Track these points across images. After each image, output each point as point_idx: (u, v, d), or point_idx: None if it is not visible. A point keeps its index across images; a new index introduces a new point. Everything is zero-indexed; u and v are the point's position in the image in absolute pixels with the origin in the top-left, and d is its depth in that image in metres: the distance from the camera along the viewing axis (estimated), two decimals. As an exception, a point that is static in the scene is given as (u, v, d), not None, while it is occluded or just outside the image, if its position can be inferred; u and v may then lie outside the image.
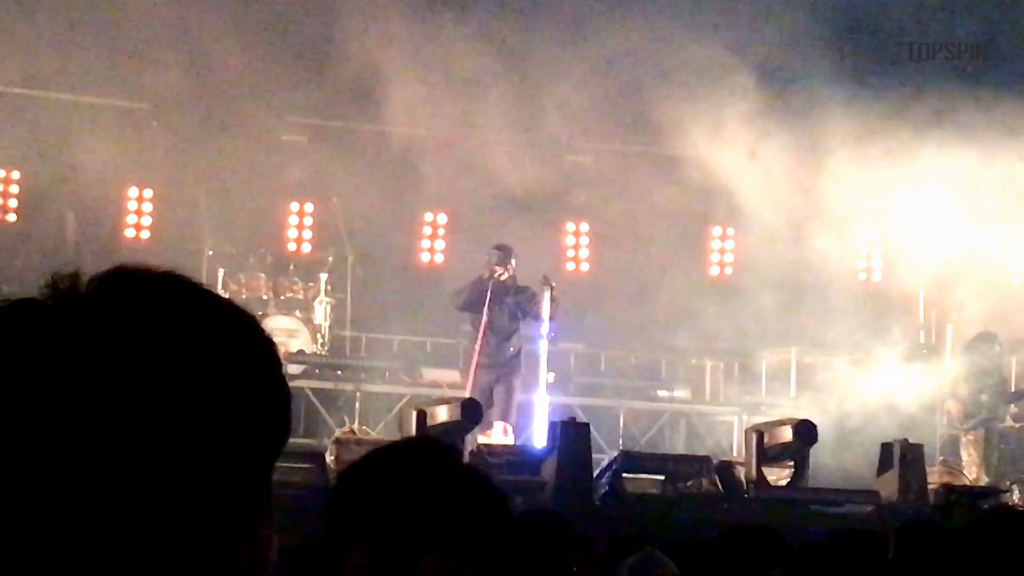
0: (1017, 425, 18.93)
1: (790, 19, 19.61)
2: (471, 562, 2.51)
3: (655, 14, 19.63)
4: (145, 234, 20.93)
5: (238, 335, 1.38)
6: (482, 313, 17.01)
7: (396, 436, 15.49)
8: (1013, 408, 18.86)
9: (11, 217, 21.01)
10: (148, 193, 21.07)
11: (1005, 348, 18.87)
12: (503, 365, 17.18)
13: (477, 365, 16.92)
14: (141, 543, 1.24)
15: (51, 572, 1.23)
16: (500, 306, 17.09)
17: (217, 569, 1.29)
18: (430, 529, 2.49)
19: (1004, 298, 20.32)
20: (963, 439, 18.23)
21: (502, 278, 17.12)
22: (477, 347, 16.95)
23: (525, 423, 17.43)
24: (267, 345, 1.40)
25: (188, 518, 1.26)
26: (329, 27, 19.56)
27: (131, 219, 21.11)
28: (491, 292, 17.05)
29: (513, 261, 17.28)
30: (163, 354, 1.26)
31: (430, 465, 2.62)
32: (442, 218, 21.59)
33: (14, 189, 21.03)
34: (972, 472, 17.69)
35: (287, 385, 1.40)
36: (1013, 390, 18.75)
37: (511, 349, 17.42)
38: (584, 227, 22.43)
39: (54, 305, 1.29)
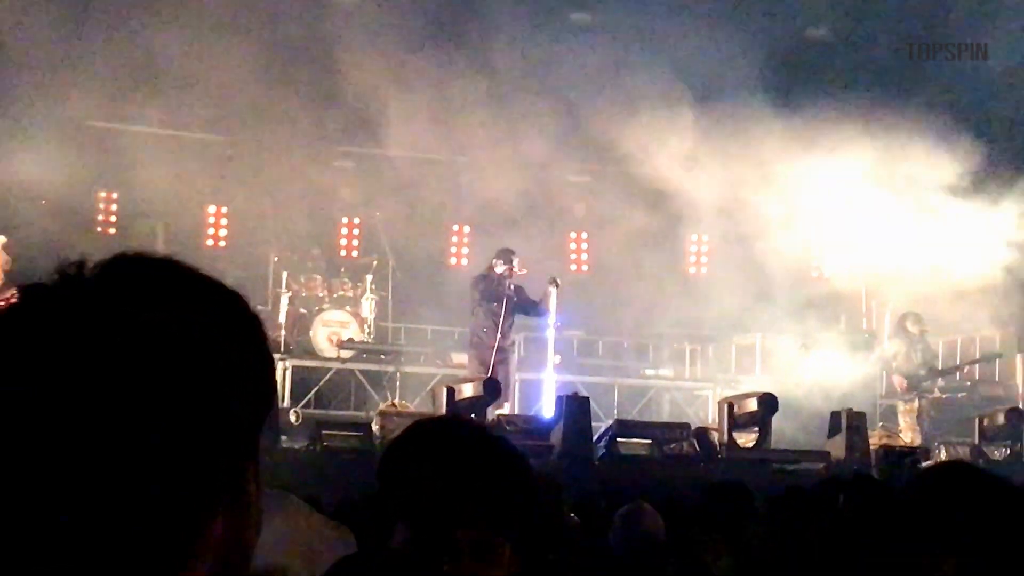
0: (944, 396, 18.88)
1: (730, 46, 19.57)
2: (501, 528, 2.44)
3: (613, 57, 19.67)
4: (222, 244, 20.98)
5: (226, 313, 1.30)
6: (495, 306, 16.99)
7: (430, 409, 15.51)
8: (940, 381, 18.82)
9: (112, 231, 21.05)
10: (224, 210, 21.14)
11: (929, 327, 18.81)
12: (505, 351, 17.15)
13: (489, 349, 16.87)
14: (154, 511, 1.18)
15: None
16: (508, 302, 17.07)
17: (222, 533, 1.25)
18: (465, 501, 2.41)
19: (931, 288, 20.24)
20: (901, 407, 18.20)
21: (512, 275, 17.09)
22: (496, 336, 16.88)
23: (536, 397, 17.45)
24: (253, 321, 1.32)
25: (194, 486, 1.20)
26: (372, 74, 19.54)
27: (210, 231, 21.16)
28: (502, 289, 17.05)
29: (515, 261, 17.25)
30: (161, 334, 1.20)
31: (465, 439, 2.54)
32: (467, 228, 21.66)
33: (114, 207, 21.11)
34: (907, 436, 17.67)
35: (271, 356, 1.33)
36: (940, 367, 18.70)
37: (511, 339, 17.45)
38: (584, 235, 22.53)
39: (59, 288, 1.25)
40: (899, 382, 18.32)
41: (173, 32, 18.99)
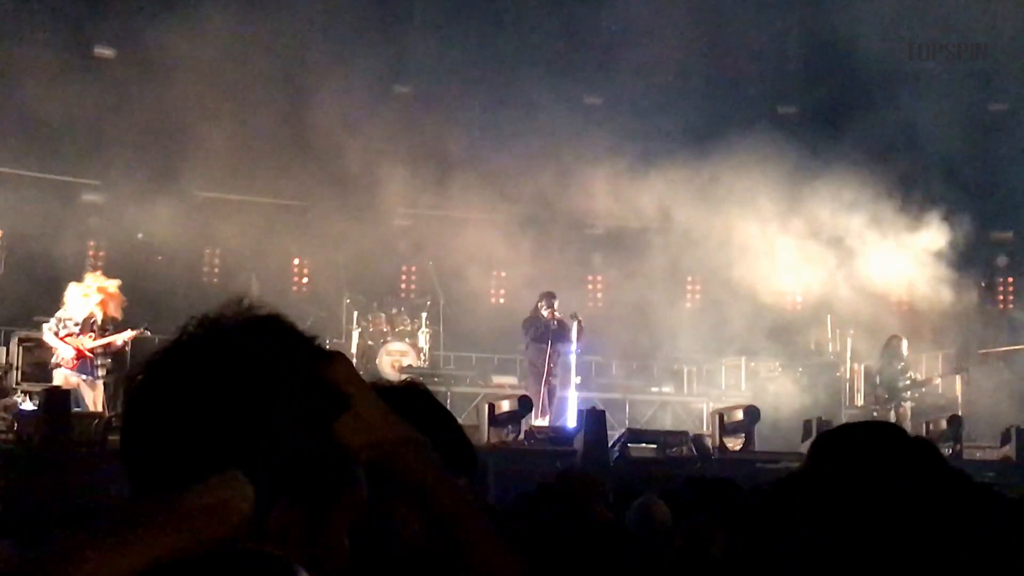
0: (912, 406, 18.76)
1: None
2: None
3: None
4: (304, 290, 21.09)
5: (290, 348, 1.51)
6: (546, 343, 17.02)
7: (475, 421, 15.49)
8: (916, 394, 18.67)
9: (215, 280, 21.20)
10: (306, 261, 21.27)
11: (908, 348, 18.70)
12: (553, 375, 17.21)
13: (540, 375, 16.90)
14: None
15: None
16: (553, 337, 17.14)
17: None
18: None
19: (887, 315, 20.18)
20: (876, 415, 17.99)
21: (553, 316, 17.21)
22: (546, 365, 16.91)
23: (562, 411, 17.43)
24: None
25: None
26: (430, 140, 19.69)
27: (294, 279, 21.28)
28: (548, 328, 17.09)
29: (555, 303, 17.35)
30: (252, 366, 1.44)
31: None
32: (503, 274, 21.70)
33: (216, 261, 21.27)
34: (877, 442, 17.51)
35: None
36: (912, 381, 18.48)
37: (556, 365, 17.48)
38: (599, 277, 22.55)
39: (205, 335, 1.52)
40: (879, 394, 18.21)
41: (265, 117, 19.21)
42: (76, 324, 14.59)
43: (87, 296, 14.81)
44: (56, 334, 14.56)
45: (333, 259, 20.18)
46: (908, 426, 17.62)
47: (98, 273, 15.74)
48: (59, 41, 19.53)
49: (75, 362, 14.47)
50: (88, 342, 14.55)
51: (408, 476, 1.43)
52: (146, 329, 15.05)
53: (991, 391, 19.34)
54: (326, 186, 19.65)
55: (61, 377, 14.41)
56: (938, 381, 19.90)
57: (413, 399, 2.44)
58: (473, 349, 20.81)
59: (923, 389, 19.00)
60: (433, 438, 2.30)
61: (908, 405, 18.10)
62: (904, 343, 18.43)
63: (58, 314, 14.74)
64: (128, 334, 14.77)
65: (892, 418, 17.68)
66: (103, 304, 14.81)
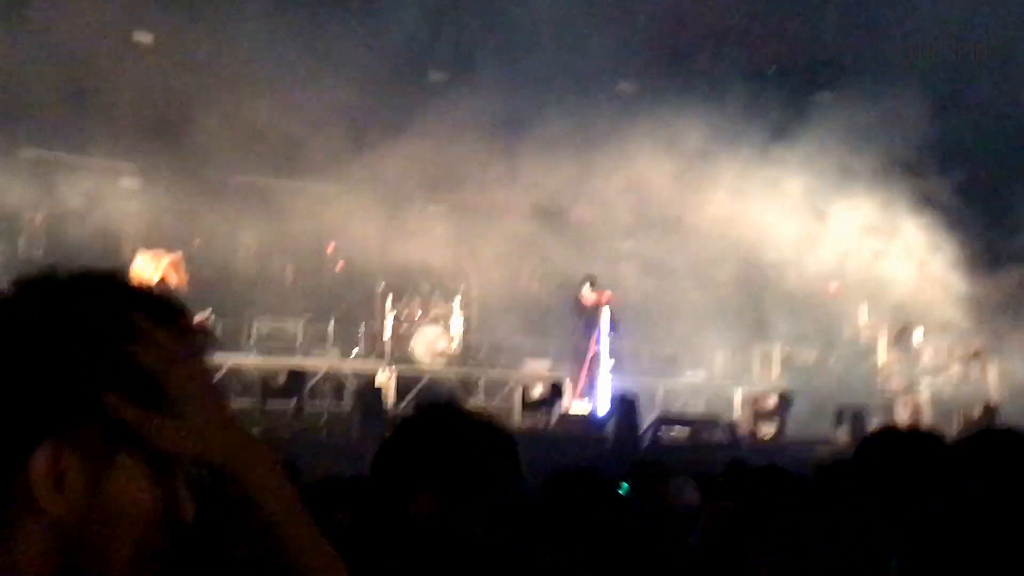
0: (932, 393, 18.63)
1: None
2: (490, 494, 2.42)
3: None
4: (339, 275, 21.12)
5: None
6: (592, 327, 16.82)
7: (507, 407, 15.55)
8: (928, 379, 18.53)
9: (251, 263, 21.29)
10: (341, 246, 21.30)
11: (926, 336, 18.57)
12: (596, 360, 16.97)
13: (584, 359, 16.71)
14: None
15: None
16: (597, 322, 16.94)
17: None
18: (473, 472, 2.40)
19: (921, 302, 20.04)
20: (900, 402, 17.90)
21: (600, 299, 16.93)
22: (590, 349, 16.72)
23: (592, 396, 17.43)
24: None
25: None
26: (468, 132, 19.68)
27: (329, 265, 21.32)
28: (593, 313, 16.90)
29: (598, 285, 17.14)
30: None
31: (456, 425, 2.50)
32: (536, 259, 21.66)
33: (253, 245, 21.37)
34: (902, 426, 17.42)
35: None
36: (929, 366, 18.35)
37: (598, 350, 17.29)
38: (633, 264, 22.41)
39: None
40: (897, 383, 18.08)
41: (298, 101, 19.25)
42: None
43: (159, 260, 14.91)
44: None
45: (368, 244, 20.23)
46: (927, 414, 17.57)
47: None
48: (97, 26, 19.65)
49: None
50: None
51: (240, 488, 1.27)
52: (211, 314, 15.24)
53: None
54: (361, 170, 19.68)
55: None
56: (956, 368, 19.77)
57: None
58: (506, 334, 20.83)
59: (939, 376, 18.88)
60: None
61: (926, 393, 17.93)
62: (919, 331, 18.27)
63: None
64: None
65: (910, 407, 17.62)
66: (175, 268, 14.90)
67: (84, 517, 1.20)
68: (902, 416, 17.75)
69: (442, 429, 2.48)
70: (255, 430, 13.86)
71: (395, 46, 19.72)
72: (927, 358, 18.07)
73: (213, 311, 16.65)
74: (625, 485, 5.83)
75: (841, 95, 21.27)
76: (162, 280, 14.81)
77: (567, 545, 3.98)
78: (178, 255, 15.34)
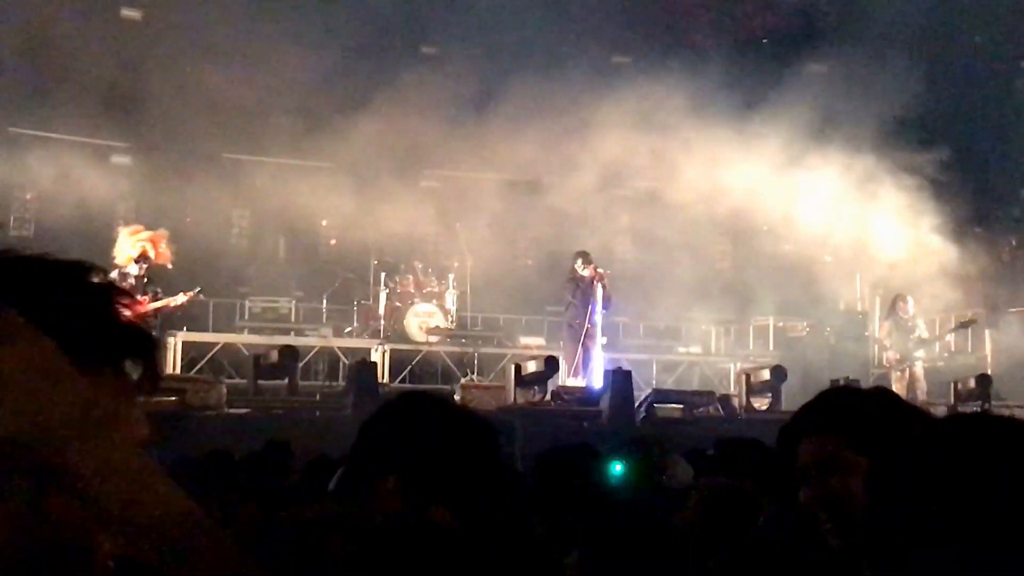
0: (927, 366, 18.57)
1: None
2: (468, 482, 2.45)
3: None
4: (332, 252, 21.08)
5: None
6: (587, 303, 16.56)
7: (502, 383, 15.51)
8: (923, 352, 18.44)
9: (244, 243, 21.27)
10: (334, 223, 21.24)
11: (918, 307, 18.48)
12: (592, 335, 16.65)
13: (579, 335, 16.51)
14: None
15: None
16: (592, 297, 16.68)
17: None
18: (441, 459, 2.42)
19: (915, 274, 19.99)
20: (895, 377, 17.84)
21: (595, 275, 16.62)
22: (586, 324, 16.45)
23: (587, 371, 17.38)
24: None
25: None
26: (461, 107, 19.59)
27: (322, 240, 21.28)
28: (588, 288, 16.66)
29: (593, 261, 16.82)
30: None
31: (434, 413, 2.53)
32: (531, 234, 21.63)
33: (245, 223, 21.33)
34: (897, 400, 17.31)
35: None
36: (924, 337, 18.23)
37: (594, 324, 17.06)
38: (628, 238, 22.38)
39: None
40: (891, 356, 18.01)
41: (291, 79, 19.14)
42: (131, 286, 14.63)
43: (137, 235, 14.81)
44: None
45: (361, 221, 20.18)
46: (923, 386, 17.53)
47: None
48: (86, 3, 19.52)
49: None
50: (142, 306, 14.62)
51: (62, 465, 1.20)
52: (199, 292, 15.17)
53: (1021, 350, 19.17)
54: (354, 147, 19.60)
55: (114, 340, 14.44)
56: (949, 337, 19.76)
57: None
58: (500, 310, 20.82)
59: (934, 346, 18.83)
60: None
61: (920, 365, 17.85)
62: (910, 302, 18.18)
63: (111, 276, 14.69)
64: (182, 297, 14.81)
65: (906, 379, 17.55)
66: (155, 245, 14.80)
67: None
68: (898, 389, 17.70)
69: (420, 415, 2.52)
70: (248, 409, 13.86)
71: (384, 21, 19.62)
72: (920, 329, 17.99)
73: (205, 290, 16.57)
74: (618, 464, 5.79)
75: (831, 64, 21.22)
76: (141, 256, 14.70)
77: (557, 522, 3.97)
78: (161, 232, 15.20)
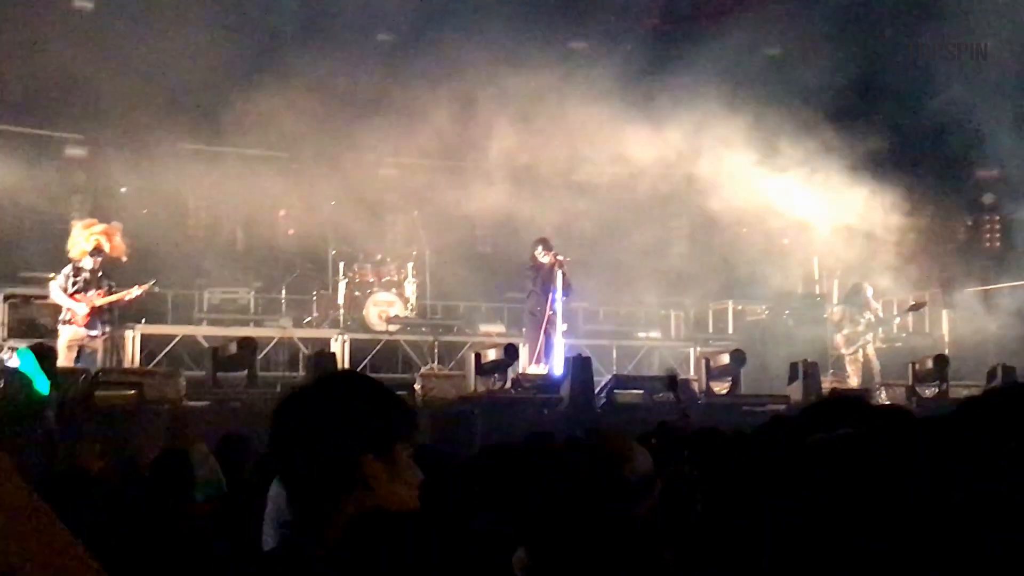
0: (883, 346, 18.72)
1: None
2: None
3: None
4: (290, 242, 20.89)
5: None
6: (548, 290, 16.52)
7: (462, 371, 15.46)
8: (881, 332, 18.58)
9: (200, 232, 21.10)
10: (291, 212, 21.09)
11: (874, 292, 18.60)
12: (552, 322, 16.61)
13: (541, 322, 16.46)
14: None
15: None
16: (552, 285, 16.65)
17: None
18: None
19: (872, 255, 20.08)
20: (847, 358, 18.02)
21: (555, 262, 16.60)
22: (547, 312, 16.43)
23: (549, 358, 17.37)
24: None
25: None
26: (418, 94, 19.45)
27: (280, 230, 21.11)
28: (548, 275, 16.61)
29: (552, 248, 16.78)
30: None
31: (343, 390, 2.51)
32: (488, 222, 21.51)
33: (201, 213, 21.15)
34: (854, 381, 17.52)
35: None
36: (873, 320, 18.35)
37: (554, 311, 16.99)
38: (586, 224, 22.32)
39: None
40: (841, 340, 18.14)
41: (246, 67, 18.97)
42: (86, 280, 14.52)
43: (91, 229, 14.73)
44: (65, 291, 14.49)
45: (318, 210, 20.07)
46: (876, 367, 17.69)
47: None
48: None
49: (86, 319, 14.45)
50: (98, 299, 14.51)
51: None
52: (154, 284, 15.14)
53: (977, 330, 19.35)
54: (310, 136, 19.48)
55: (70, 333, 14.40)
56: (907, 318, 19.94)
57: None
58: (460, 298, 20.78)
59: (889, 326, 18.99)
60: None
61: (871, 347, 17.99)
62: (869, 289, 18.34)
63: (64, 270, 14.63)
64: (137, 290, 14.77)
65: (860, 362, 17.70)
66: (110, 239, 14.73)
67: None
68: (852, 372, 17.84)
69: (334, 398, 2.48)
70: (207, 401, 13.75)
71: (344, 7, 19.47)
72: (870, 312, 18.14)
73: (162, 282, 16.44)
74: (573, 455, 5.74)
75: (786, 49, 21.27)
76: (95, 250, 14.58)
77: (507, 515, 3.92)
78: (115, 225, 15.14)
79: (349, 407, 2.43)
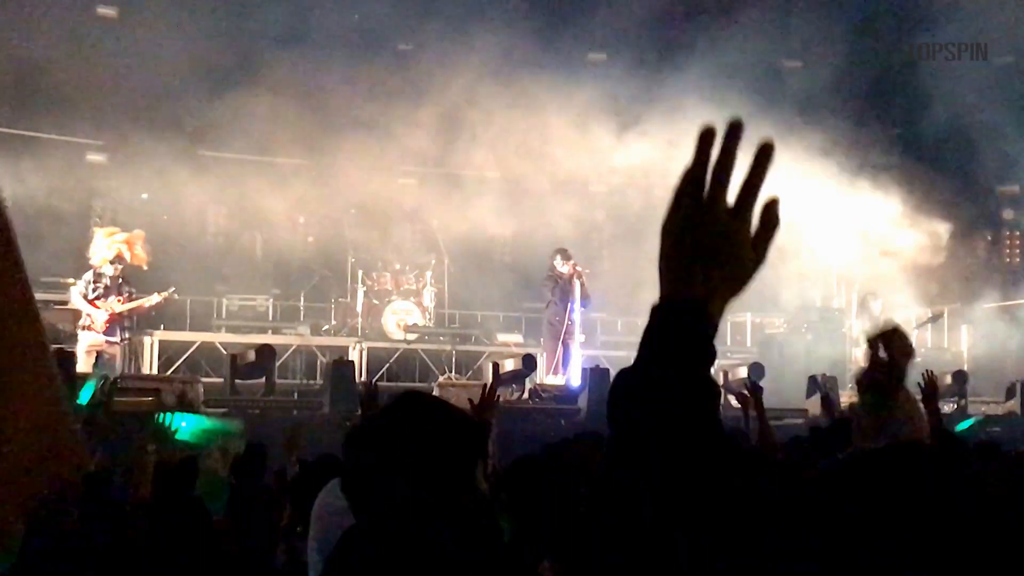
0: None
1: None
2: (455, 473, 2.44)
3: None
4: (309, 250, 20.92)
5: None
6: (567, 300, 16.57)
7: (479, 380, 15.43)
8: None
9: (220, 239, 21.14)
10: (311, 220, 21.11)
11: (893, 303, 18.54)
12: (571, 332, 16.69)
13: (559, 332, 16.49)
14: None
15: None
16: (572, 295, 16.70)
17: None
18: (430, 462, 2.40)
19: (891, 270, 19.99)
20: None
21: (574, 272, 16.68)
22: (566, 322, 16.48)
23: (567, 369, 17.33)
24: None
25: None
26: (434, 97, 19.48)
27: (299, 237, 21.13)
28: (568, 286, 16.66)
29: (572, 259, 16.89)
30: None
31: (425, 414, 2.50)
32: (509, 232, 21.49)
33: (221, 220, 21.19)
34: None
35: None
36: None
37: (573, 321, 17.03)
38: (605, 235, 22.33)
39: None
40: (861, 355, 18.03)
41: (267, 75, 19.03)
42: (106, 286, 14.58)
43: (112, 237, 14.80)
44: (85, 297, 14.55)
45: (337, 218, 20.08)
46: None
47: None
48: (61, 1, 19.36)
49: (106, 325, 14.51)
50: (118, 306, 14.56)
51: None
52: (173, 292, 15.19)
53: (997, 345, 19.25)
54: (330, 144, 19.50)
55: (89, 339, 14.44)
56: (926, 333, 19.84)
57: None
58: (478, 308, 20.75)
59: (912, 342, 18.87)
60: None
61: None
62: (878, 301, 18.26)
63: (85, 276, 14.71)
64: (156, 298, 14.84)
65: None
66: (131, 247, 14.80)
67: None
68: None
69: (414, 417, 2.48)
70: (224, 408, 13.77)
71: (365, 17, 19.52)
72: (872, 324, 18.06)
73: (181, 288, 16.48)
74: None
75: (805, 59, 21.21)
76: (117, 258, 14.65)
77: (529, 528, 3.91)
78: (137, 233, 15.21)
79: (429, 436, 2.43)
